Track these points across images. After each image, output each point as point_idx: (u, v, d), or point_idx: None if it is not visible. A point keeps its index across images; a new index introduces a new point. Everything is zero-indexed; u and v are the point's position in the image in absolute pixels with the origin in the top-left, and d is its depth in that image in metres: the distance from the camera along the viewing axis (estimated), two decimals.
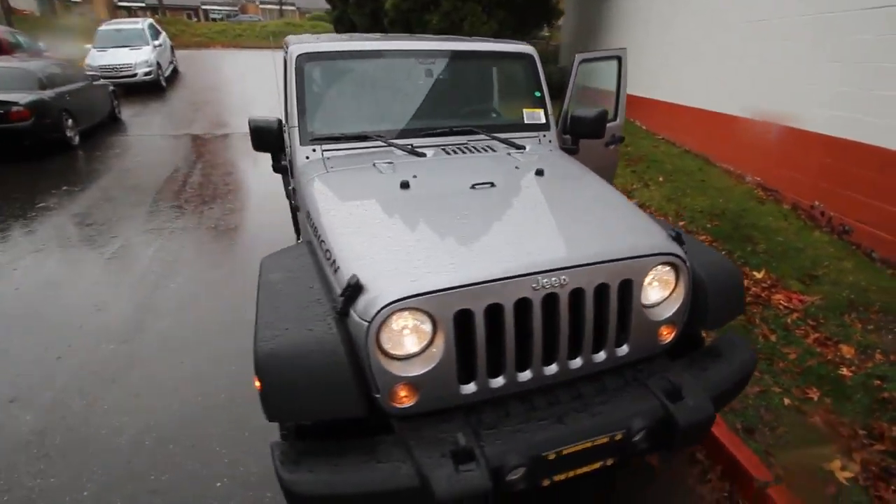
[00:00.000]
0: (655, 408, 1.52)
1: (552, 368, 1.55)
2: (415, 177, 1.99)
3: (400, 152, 2.30)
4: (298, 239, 4.10)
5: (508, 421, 1.47)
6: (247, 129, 2.35)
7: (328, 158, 2.25)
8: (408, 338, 1.41)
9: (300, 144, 2.28)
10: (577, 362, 1.58)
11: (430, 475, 1.26)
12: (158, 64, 12.07)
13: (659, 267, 1.63)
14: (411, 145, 2.31)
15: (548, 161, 2.30)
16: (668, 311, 1.68)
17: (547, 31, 12.08)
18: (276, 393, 1.30)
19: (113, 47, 11.69)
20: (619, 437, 1.46)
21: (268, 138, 2.29)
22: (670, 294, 1.69)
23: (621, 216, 1.84)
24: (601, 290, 1.54)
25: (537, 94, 2.66)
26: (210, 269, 3.90)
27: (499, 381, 1.50)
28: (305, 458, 1.33)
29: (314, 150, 2.28)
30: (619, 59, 3.20)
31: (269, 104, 11.17)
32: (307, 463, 1.31)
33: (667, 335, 1.71)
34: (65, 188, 5.69)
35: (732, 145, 5.34)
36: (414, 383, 1.40)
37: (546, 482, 1.44)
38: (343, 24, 15.93)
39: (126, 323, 3.12)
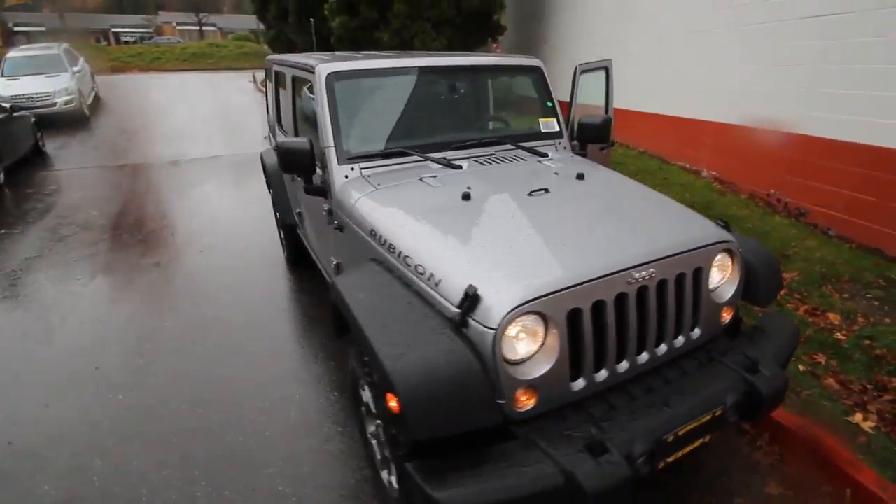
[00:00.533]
0: (739, 382, 1.65)
1: (644, 357, 1.64)
2: (469, 188, 2.03)
3: (436, 165, 2.32)
4: (287, 257, 3.96)
5: (617, 412, 1.53)
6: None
7: (368, 176, 2.23)
8: (523, 342, 1.44)
9: (338, 164, 2.24)
10: (662, 349, 1.68)
11: (575, 471, 1.29)
12: (80, 91, 11.15)
13: (720, 254, 1.78)
14: (446, 158, 2.35)
15: (579, 166, 2.42)
16: (728, 293, 1.83)
17: (497, 48, 12.50)
18: (419, 410, 1.27)
19: (25, 75, 10.66)
20: (718, 412, 1.57)
21: (299, 160, 2.23)
22: (728, 277, 1.85)
23: (672, 211, 1.99)
24: (679, 279, 1.66)
25: (549, 104, 2.80)
26: (211, 305, 3.66)
27: (602, 375, 1.57)
28: (447, 474, 1.31)
29: (352, 169, 2.25)
30: (606, 69, 3.43)
31: (209, 131, 10.78)
32: (452, 478, 1.30)
33: (727, 316, 1.87)
34: (2, 231, 5.11)
35: (686, 145, 5.83)
36: (534, 385, 1.43)
37: (661, 465, 1.52)
38: (281, 44, 15.59)
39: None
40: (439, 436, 1.32)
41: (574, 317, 1.46)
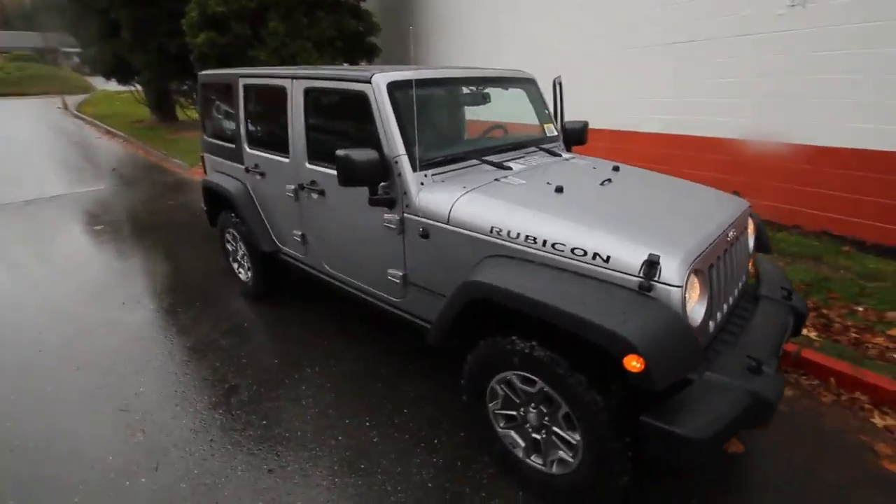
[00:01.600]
0: (786, 307, 2.17)
1: (730, 300, 2.06)
2: (548, 183, 2.24)
3: (489, 167, 2.48)
4: (253, 290, 3.61)
5: (730, 344, 1.90)
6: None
7: (443, 181, 2.28)
8: (692, 295, 1.71)
9: (413, 171, 2.23)
10: (735, 293, 2.13)
11: (758, 389, 1.61)
12: None
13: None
14: (497, 161, 2.52)
15: (601, 161, 2.80)
16: (752, 244, 2.39)
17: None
18: (660, 363, 1.45)
19: None
20: (788, 330, 2.06)
21: (368, 171, 2.17)
22: (752, 232, 2.40)
23: (704, 189, 2.48)
24: (741, 236, 2.13)
25: (546, 111, 3.15)
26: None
27: (718, 317, 1.93)
28: (674, 416, 1.51)
29: (426, 176, 2.27)
30: (559, 84, 3.94)
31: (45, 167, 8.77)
32: (681, 418, 1.50)
33: (750, 264, 2.42)
34: None
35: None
36: (697, 330, 1.72)
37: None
38: (104, 65, 13.36)
39: None
40: (670, 384, 1.51)
41: (709, 269, 1.79)
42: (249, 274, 3.74)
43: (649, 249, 1.66)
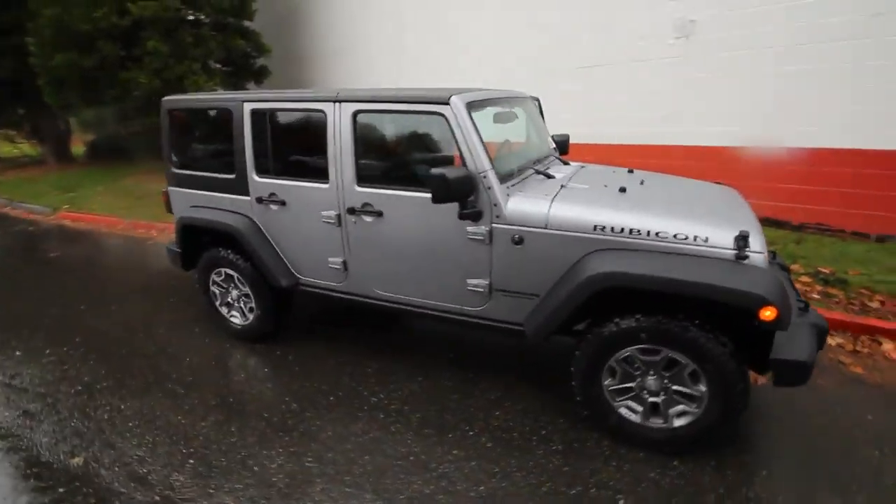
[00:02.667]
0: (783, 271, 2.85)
1: None
2: (606, 186, 2.62)
3: (539, 176, 2.77)
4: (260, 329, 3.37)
5: None
6: None
7: (519, 191, 2.49)
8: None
9: (500, 184, 2.41)
10: None
11: (817, 322, 2.17)
12: None
13: None
14: (545, 171, 2.82)
15: (604, 165, 3.28)
16: None
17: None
18: (785, 311, 1.88)
19: None
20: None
21: (460, 187, 2.29)
22: None
23: (711, 185, 3.07)
24: None
25: (545, 126, 3.55)
26: None
27: None
28: (793, 349, 1.97)
29: (508, 187, 2.46)
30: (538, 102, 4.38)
31: None
32: (797, 350, 1.97)
33: None
34: None
35: None
36: None
37: None
38: None
39: None
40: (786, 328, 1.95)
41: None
42: (251, 315, 3.41)
43: (735, 229, 2.12)
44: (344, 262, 2.94)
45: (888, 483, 2.13)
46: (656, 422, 2.29)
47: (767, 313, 1.88)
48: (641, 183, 2.77)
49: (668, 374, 2.20)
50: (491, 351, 3.31)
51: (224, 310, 3.55)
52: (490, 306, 2.61)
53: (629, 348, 2.21)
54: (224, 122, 3.13)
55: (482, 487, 2.18)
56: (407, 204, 2.64)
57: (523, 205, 2.40)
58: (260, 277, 3.22)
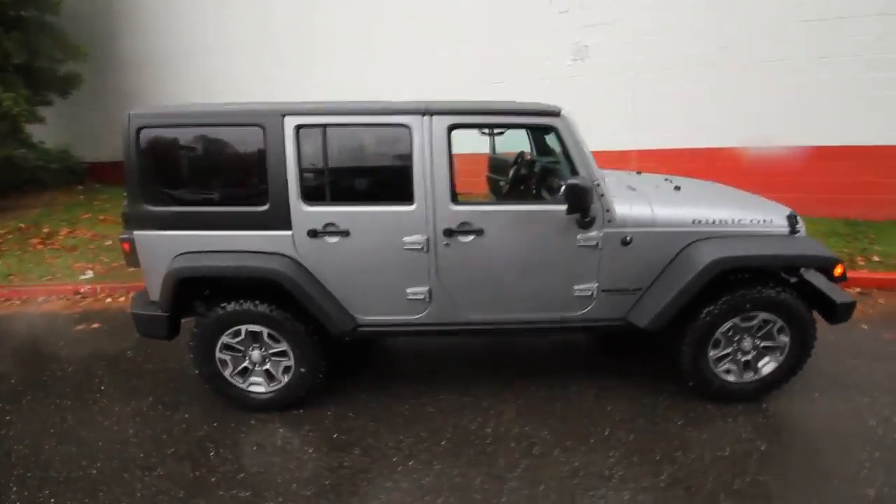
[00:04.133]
0: None
1: None
2: (657, 186, 3.01)
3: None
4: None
5: None
6: None
7: (614, 196, 2.68)
8: None
9: (610, 193, 2.57)
10: None
11: (836, 300, 2.94)
12: None
13: None
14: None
15: (620, 170, 3.70)
16: None
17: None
18: (845, 268, 2.51)
19: None
20: None
21: (590, 197, 2.40)
22: None
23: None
24: None
25: None
26: None
27: None
28: (841, 293, 2.63)
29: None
30: None
31: None
32: (843, 294, 2.64)
33: None
34: None
35: None
36: None
37: None
38: None
39: None
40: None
41: None
42: (285, 377, 2.77)
43: (780, 211, 2.73)
44: (429, 291, 2.66)
45: None
46: (748, 376, 2.76)
47: (839, 270, 2.50)
48: (677, 188, 3.22)
49: (759, 334, 2.68)
50: (542, 355, 3.40)
51: (238, 381, 2.78)
52: (593, 308, 2.72)
53: (733, 319, 2.61)
54: (248, 141, 2.50)
55: (656, 479, 2.29)
56: (512, 219, 2.57)
57: (629, 208, 2.60)
58: (304, 328, 2.66)
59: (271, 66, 7.57)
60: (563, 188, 2.45)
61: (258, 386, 2.81)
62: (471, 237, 2.57)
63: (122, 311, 4.33)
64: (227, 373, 2.77)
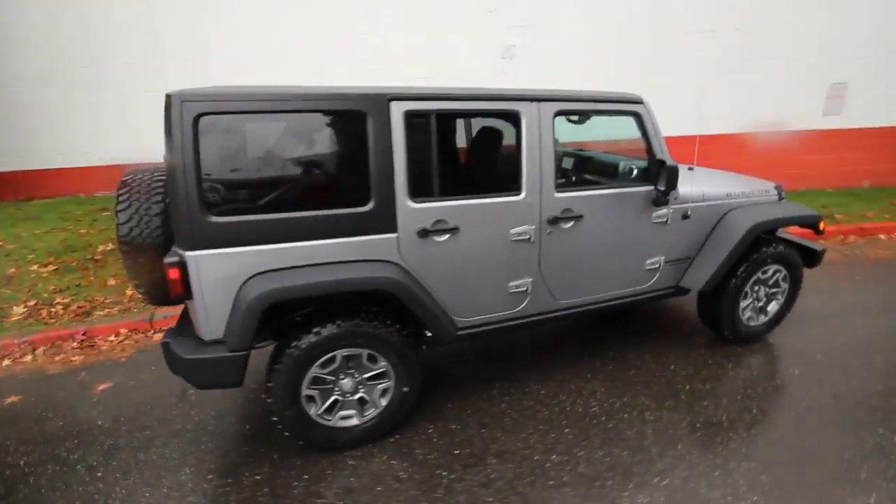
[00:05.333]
0: None
1: None
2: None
3: None
4: None
5: None
6: None
7: None
8: None
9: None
10: None
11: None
12: None
13: None
14: None
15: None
16: None
17: None
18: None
19: None
20: None
21: (677, 177, 2.65)
22: None
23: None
24: None
25: None
26: None
27: None
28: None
29: None
30: None
31: None
32: (812, 245, 3.39)
33: None
34: None
35: None
36: None
37: None
38: None
39: None
40: None
41: None
42: (383, 401, 2.43)
43: (772, 185, 3.36)
44: (531, 282, 2.60)
45: None
46: (762, 318, 3.34)
47: (822, 225, 3.20)
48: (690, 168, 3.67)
49: (770, 283, 3.27)
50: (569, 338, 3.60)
51: (325, 419, 2.34)
52: (658, 279, 3.00)
53: (756, 273, 3.14)
54: (345, 130, 2.11)
55: (753, 410, 2.67)
56: (606, 203, 2.67)
57: (689, 188, 2.92)
58: (407, 342, 2.37)
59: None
60: (655, 170, 2.63)
61: (350, 419, 2.40)
62: (570, 223, 2.59)
63: (44, 372, 3.19)
64: (313, 411, 2.30)
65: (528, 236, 2.50)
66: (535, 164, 2.44)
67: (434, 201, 2.29)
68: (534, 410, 2.72)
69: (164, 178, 2.17)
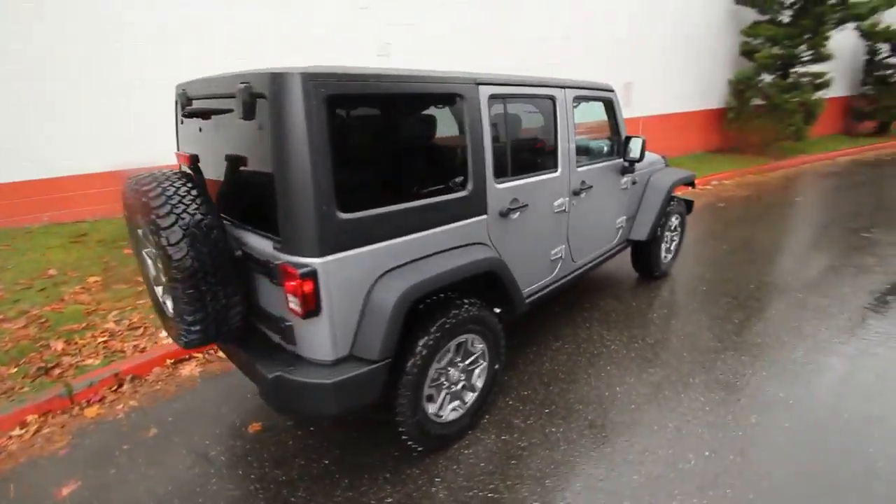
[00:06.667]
0: None
1: None
2: None
3: None
4: None
5: None
6: None
7: None
8: None
9: None
10: None
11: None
12: None
13: None
14: None
15: None
16: None
17: None
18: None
19: None
20: None
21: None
22: None
23: None
24: None
25: None
26: None
27: None
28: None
29: None
30: None
31: None
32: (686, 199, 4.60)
33: None
34: None
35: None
36: None
37: None
38: None
39: None
40: None
41: None
42: (480, 383, 2.47)
43: (661, 155, 4.41)
44: (564, 249, 2.95)
45: None
46: (668, 257, 4.38)
47: (695, 181, 4.37)
48: None
49: (670, 225, 4.30)
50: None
51: (438, 416, 2.27)
52: (620, 236, 3.69)
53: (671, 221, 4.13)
54: (445, 113, 2.09)
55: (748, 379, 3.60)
56: (601, 174, 3.17)
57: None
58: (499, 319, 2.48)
59: None
60: (625, 145, 3.24)
61: (457, 410, 2.36)
62: (583, 194, 3.02)
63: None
64: (431, 410, 2.21)
65: (563, 207, 2.84)
66: (566, 143, 2.78)
67: (509, 181, 2.43)
68: (573, 361, 3.08)
69: (190, 183, 1.79)
